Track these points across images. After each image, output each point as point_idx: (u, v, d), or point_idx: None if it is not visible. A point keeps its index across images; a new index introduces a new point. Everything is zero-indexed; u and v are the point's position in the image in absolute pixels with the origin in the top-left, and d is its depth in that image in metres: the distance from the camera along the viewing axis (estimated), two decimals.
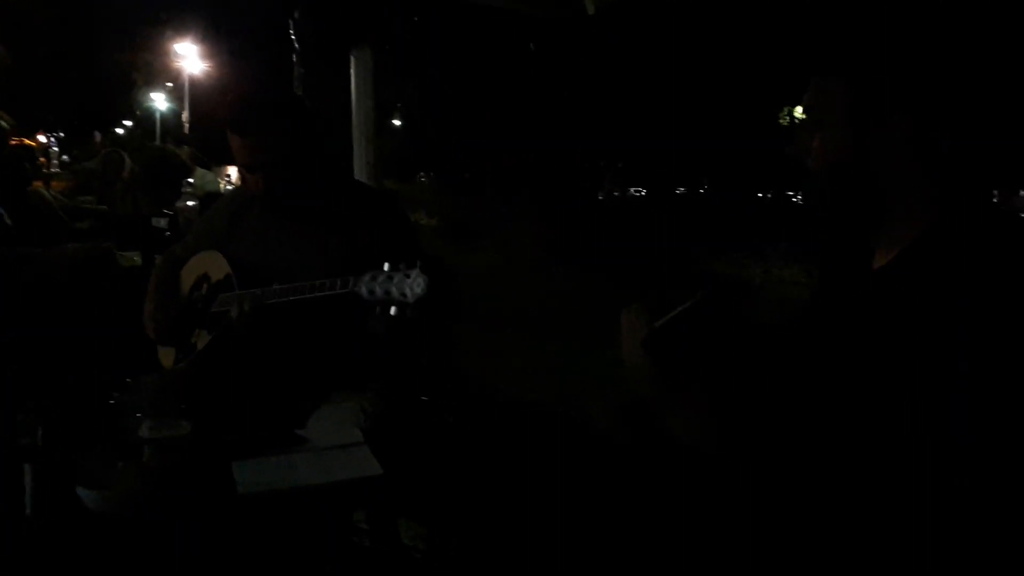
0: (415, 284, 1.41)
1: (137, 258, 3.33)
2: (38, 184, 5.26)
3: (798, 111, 1.10)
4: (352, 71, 3.60)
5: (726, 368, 0.98)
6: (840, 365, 0.98)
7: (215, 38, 20.28)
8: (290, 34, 4.10)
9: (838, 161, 1.03)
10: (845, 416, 0.94)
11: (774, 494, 0.96)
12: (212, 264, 1.88)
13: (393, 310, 1.42)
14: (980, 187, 1.01)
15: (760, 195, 17.82)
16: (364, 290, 1.45)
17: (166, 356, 1.89)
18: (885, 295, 0.99)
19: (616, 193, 23.71)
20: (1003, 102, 1.01)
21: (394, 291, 1.42)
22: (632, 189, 23.02)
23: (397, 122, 19.00)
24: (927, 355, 0.87)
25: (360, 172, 3.52)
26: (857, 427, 0.93)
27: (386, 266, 1.45)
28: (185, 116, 20.95)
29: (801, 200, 1.12)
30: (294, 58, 4.09)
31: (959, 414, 0.84)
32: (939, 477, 0.84)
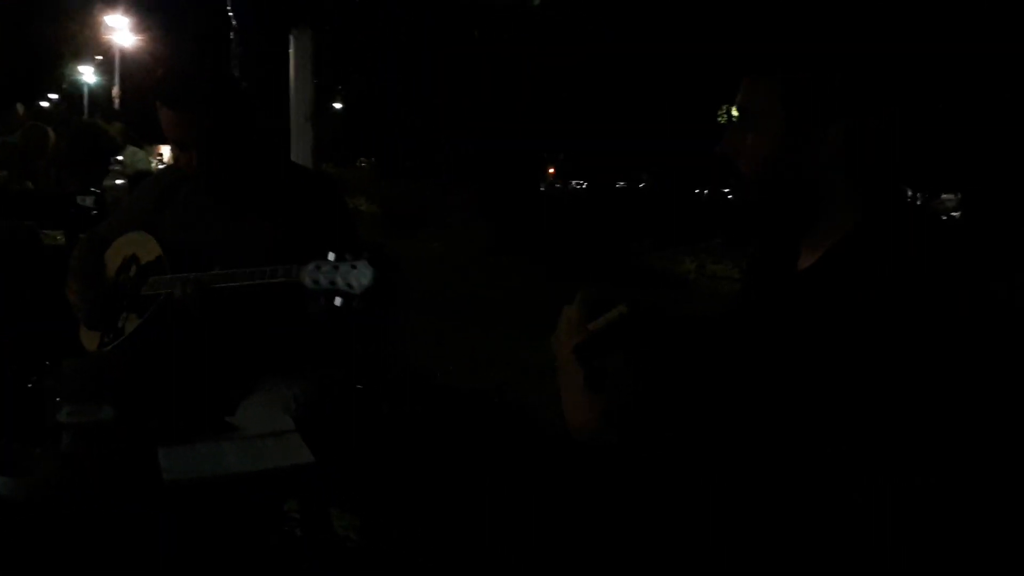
0: (362, 275, 1.38)
1: (60, 237, 3.20)
2: None
3: (735, 110, 1.11)
4: (291, 51, 3.53)
5: (651, 359, 0.99)
6: (765, 364, 1.00)
7: (148, 11, 19.56)
8: (227, 11, 3.99)
9: (770, 161, 1.02)
10: (769, 413, 0.97)
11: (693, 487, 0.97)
12: (141, 245, 1.81)
13: (338, 301, 1.39)
14: (902, 189, 1.04)
15: (697, 191, 18.15)
16: (308, 280, 1.41)
17: (89, 339, 1.82)
18: (809, 295, 1.00)
19: (558, 185, 23.84)
20: (939, 102, 1.04)
21: (339, 281, 1.39)
22: (574, 182, 23.17)
23: (338, 105, 18.69)
24: (848, 353, 0.89)
25: (298, 155, 3.46)
26: (780, 424, 0.95)
27: (331, 255, 1.41)
28: (115, 91, 20.17)
29: (732, 198, 1.13)
30: (231, 35, 3.99)
31: (881, 411, 0.86)
32: (858, 476, 0.87)
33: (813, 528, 0.89)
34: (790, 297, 1.05)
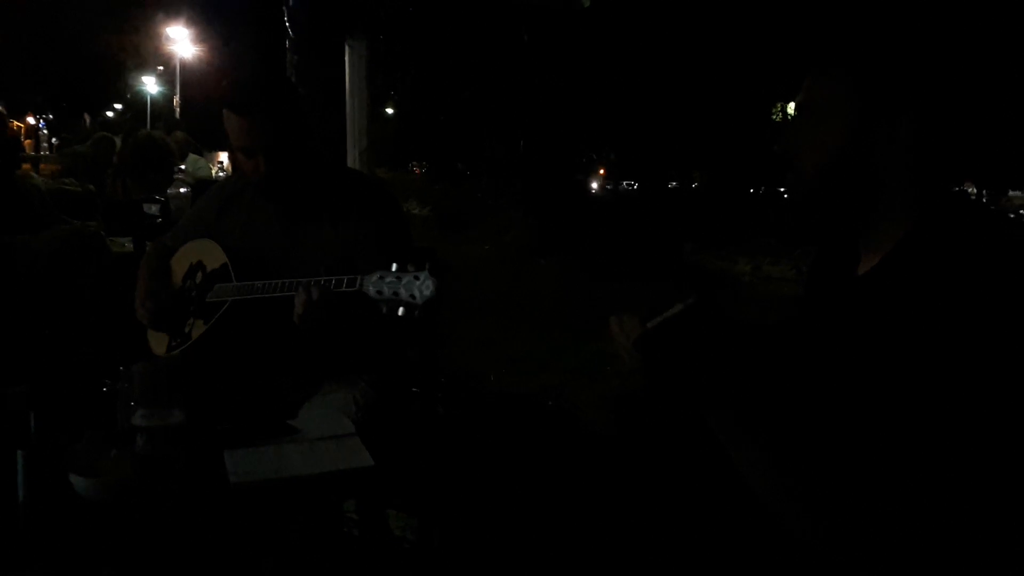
0: (424, 286, 1.40)
1: (128, 244, 3.32)
2: (27, 167, 5.22)
3: (791, 107, 1.09)
4: (347, 60, 3.60)
5: (716, 370, 0.98)
6: (827, 371, 0.98)
7: (207, 22, 20.08)
8: (284, 21, 4.08)
9: (838, 157, 0.99)
10: (833, 419, 0.95)
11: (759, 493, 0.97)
12: (206, 252, 1.87)
13: (401, 311, 1.41)
14: (961, 190, 1.01)
15: (752, 191, 17.84)
16: (372, 290, 1.44)
17: (157, 343, 1.89)
18: (868, 301, 0.98)
19: (609, 186, 23.70)
20: (1003, 104, 1.01)
21: (403, 292, 1.41)
22: (624, 183, 23.02)
23: (390, 111, 18.92)
24: (908, 359, 0.87)
25: (353, 161, 3.53)
26: (845, 429, 0.94)
27: (394, 266, 1.43)
28: (176, 100, 20.78)
29: (788, 199, 1.10)
30: (287, 44, 4.08)
31: (942, 414, 0.84)
32: (924, 479, 0.85)
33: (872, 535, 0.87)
34: (848, 304, 1.02)
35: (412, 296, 1.40)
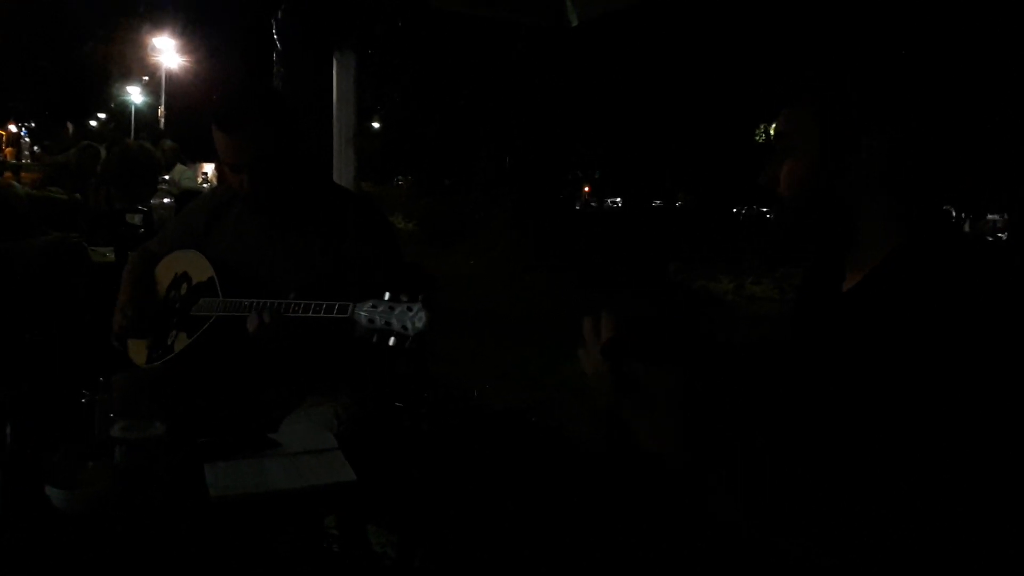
0: (416, 318, 1.38)
1: (110, 254, 3.28)
2: (8, 176, 5.17)
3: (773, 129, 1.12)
4: (335, 73, 3.59)
5: (696, 381, 0.98)
6: (812, 385, 0.99)
7: (194, 33, 20.06)
8: (272, 34, 4.08)
9: (808, 188, 1.05)
10: (818, 432, 0.96)
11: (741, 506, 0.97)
12: (193, 264, 1.85)
13: (392, 340, 1.40)
14: (941, 209, 1.04)
15: (735, 211, 18.02)
16: (364, 318, 1.42)
17: (138, 353, 1.86)
18: (853, 317, 1.01)
19: (593, 204, 23.82)
20: (967, 126, 1.04)
21: (395, 323, 1.39)
22: (609, 200, 23.15)
23: (376, 124, 18.94)
24: (892, 374, 0.89)
25: (340, 175, 3.51)
26: (829, 443, 0.94)
27: (387, 295, 1.42)
28: (161, 111, 20.69)
29: (770, 221, 1.15)
30: (274, 57, 4.07)
31: (925, 428, 0.86)
32: (908, 494, 0.86)
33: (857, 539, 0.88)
34: (834, 320, 1.05)
35: (404, 327, 1.38)
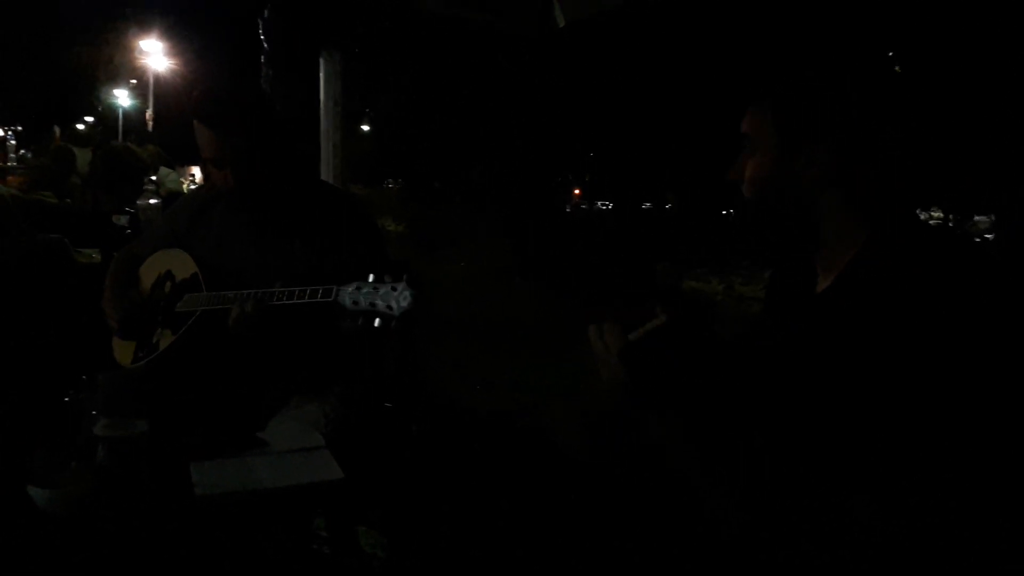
0: (401, 297, 1.38)
1: (96, 255, 3.26)
2: None
3: None
4: (321, 74, 3.58)
5: (694, 385, 0.99)
6: (795, 388, 1.00)
7: (181, 36, 19.99)
8: (259, 34, 4.06)
9: (768, 187, 1.06)
10: (809, 432, 0.96)
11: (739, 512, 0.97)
12: (176, 263, 1.84)
13: (377, 322, 1.39)
14: (903, 207, 1.03)
15: (724, 212, 18.09)
16: (348, 300, 1.42)
17: (123, 352, 1.85)
18: (825, 318, 1.02)
19: (583, 206, 23.87)
20: (929, 130, 1.05)
21: (379, 303, 1.39)
22: (599, 203, 23.21)
23: (366, 127, 18.92)
24: (865, 373, 0.90)
25: (327, 175, 3.50)
26: (813, 444, 0.95)
27: (371, 276, 1.41)
28: (149, 114, 20.58)
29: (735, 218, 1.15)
30: (262, 59, 4.06)
31: (898, 425, 0.87)
32: (881, 489, 0.86)
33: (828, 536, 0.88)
34: (808, 321, 1.06)
35: (389, 307, 1.38)
